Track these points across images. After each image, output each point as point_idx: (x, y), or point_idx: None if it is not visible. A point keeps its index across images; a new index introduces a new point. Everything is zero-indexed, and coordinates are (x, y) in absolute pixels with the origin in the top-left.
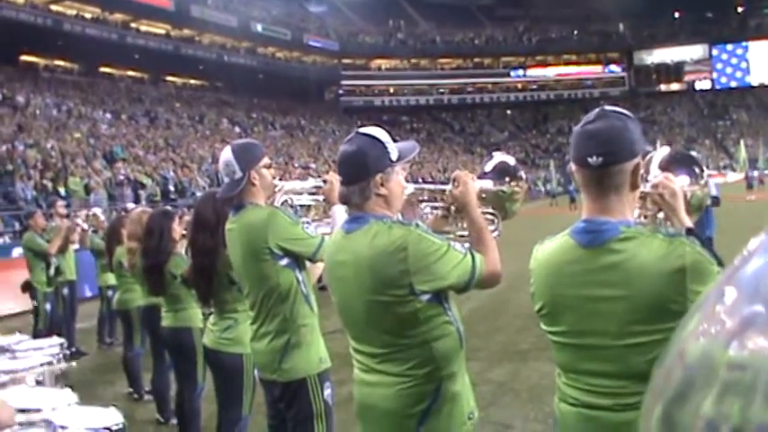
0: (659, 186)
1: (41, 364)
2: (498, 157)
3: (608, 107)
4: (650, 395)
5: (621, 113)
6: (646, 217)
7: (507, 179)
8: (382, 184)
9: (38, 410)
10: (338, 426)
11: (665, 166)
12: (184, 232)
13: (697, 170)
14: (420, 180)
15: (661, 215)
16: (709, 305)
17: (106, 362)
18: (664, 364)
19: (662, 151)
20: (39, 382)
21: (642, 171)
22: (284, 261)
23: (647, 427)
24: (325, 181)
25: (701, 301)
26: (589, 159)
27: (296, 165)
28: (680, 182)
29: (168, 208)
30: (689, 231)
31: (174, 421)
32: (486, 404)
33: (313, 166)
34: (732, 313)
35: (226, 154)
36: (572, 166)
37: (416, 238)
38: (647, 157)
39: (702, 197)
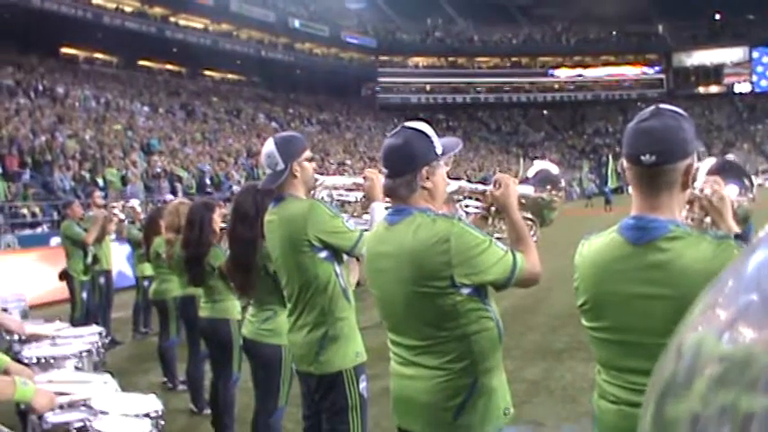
0: (707, 190)
1: (81, 352)
2: (540, 164)
3: (663, 106)
4: (647, 389)
5: (676, 112)
6: (693, 220)
7: (549, 187)
8: (428, 178)
9: (79, 395)
10: (371, 419)
11: (715, 174)
12: (223, 225)
13: (747, 182)
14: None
15: (708, 220)
16: (709, 297)
17: (141, 351)
18: (663, 358)
19: (708, 162)
20: (78, 369)
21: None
22: (323, 254)
23: (642, 421)
24: (365, 177)
25: (702, 293)
26: (642, 157)
27: (332, 161)
28: (729, 192)
29: (209, 200)
30: (736, 237)
31: (208, 411)
32: (519, 402)
33: (348, 162)
34: (729, 305)
35: (269, 146)
36: (624, 163)
37: (460, 230)
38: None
39: (749, 209)
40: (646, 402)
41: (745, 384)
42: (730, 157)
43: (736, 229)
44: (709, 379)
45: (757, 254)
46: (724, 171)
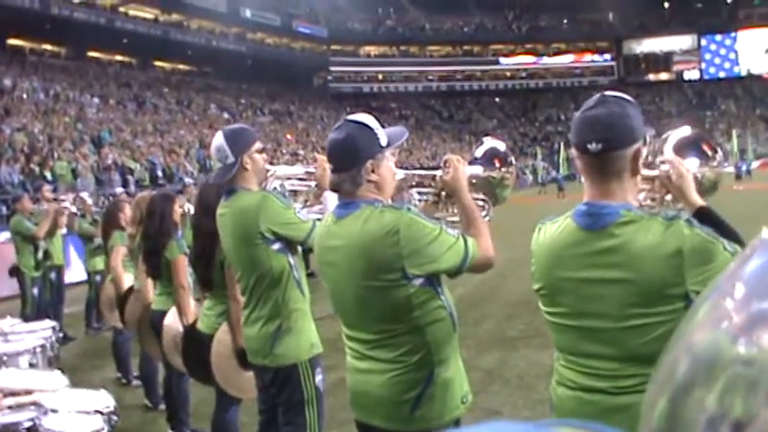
0: (664, 167)
1: (34, 348)
2: (488, 142)
3: (609, 93)
4: (654, 387)
5: (622, 99)
6: (654, 200)
7: (498, 165)
8: (373, 171)
9: (28, 393)
10: (327, 411)
11: (677, 148)
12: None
13: (709, 151)
14: (409, 167)
15: (669, 197)
16: (717, 297)
17: (94, 347)
18: (670, 356)
19: (679, 132)
20: (32, 365)
21: (650, 153)
22: (276, 246)
23: (648, 419)
24: (316, 166)
25: (709, 291)
26: (589, 146)
27: (284, 151)
28: (690, 164)
29: (169, 191)
30: (700, 211)
31: (163, 406)
32: (474, 391)
33: (301, 152)
34: (740, 308)
35: (218, 139)
36: (573, 152)
37: (408, 221)
38: (663, 137)
39: (715, 179)
40: (651, 399)
41: (762, 387)
42: (693, 129)
43: (701, 201)
44: (731, 381)
45: (762, 259)
46: (686, 144)
